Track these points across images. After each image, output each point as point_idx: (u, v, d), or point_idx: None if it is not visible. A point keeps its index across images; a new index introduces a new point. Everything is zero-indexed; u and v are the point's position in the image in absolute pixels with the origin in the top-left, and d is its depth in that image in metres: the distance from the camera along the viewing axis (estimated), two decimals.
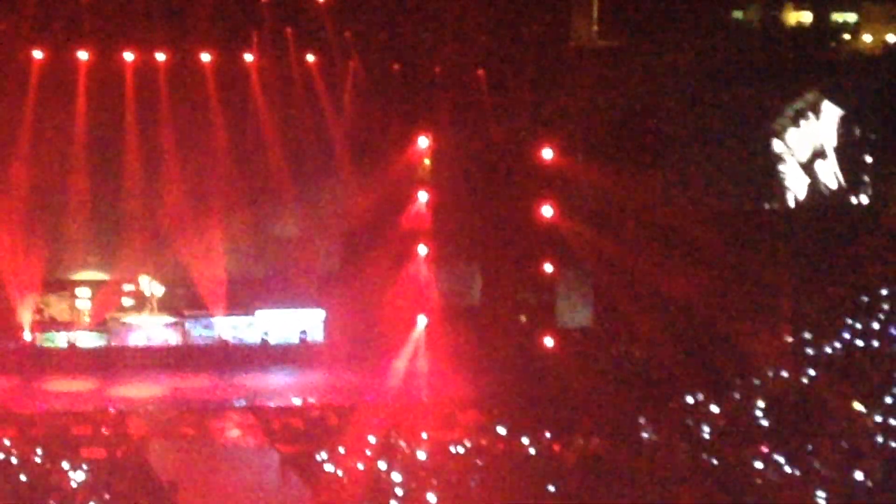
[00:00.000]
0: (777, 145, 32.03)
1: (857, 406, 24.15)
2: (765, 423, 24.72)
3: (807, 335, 28.15)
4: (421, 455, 23.67)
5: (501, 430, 25.28)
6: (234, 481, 23.80)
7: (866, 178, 32.33)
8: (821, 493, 21.22)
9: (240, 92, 32.45)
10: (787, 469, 22.39)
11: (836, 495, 21.19)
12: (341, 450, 24.02)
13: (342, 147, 33.28)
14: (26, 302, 32.04)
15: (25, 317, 32.03)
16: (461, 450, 24.02)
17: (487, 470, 22.87)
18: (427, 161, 33.86)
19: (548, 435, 24.63)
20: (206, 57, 31.80)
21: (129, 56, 31.34)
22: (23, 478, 21.87)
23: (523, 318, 31.84)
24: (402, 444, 24.40)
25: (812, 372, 26.15)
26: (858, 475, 21.61)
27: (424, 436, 25.17)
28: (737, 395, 26.03)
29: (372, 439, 24.65)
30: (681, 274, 30.13)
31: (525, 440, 24.36)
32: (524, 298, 31.94)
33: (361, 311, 32.96)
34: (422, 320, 32.49)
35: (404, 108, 32.91)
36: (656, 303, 30.36)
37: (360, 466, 23.25)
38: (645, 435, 24.86)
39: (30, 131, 31.48)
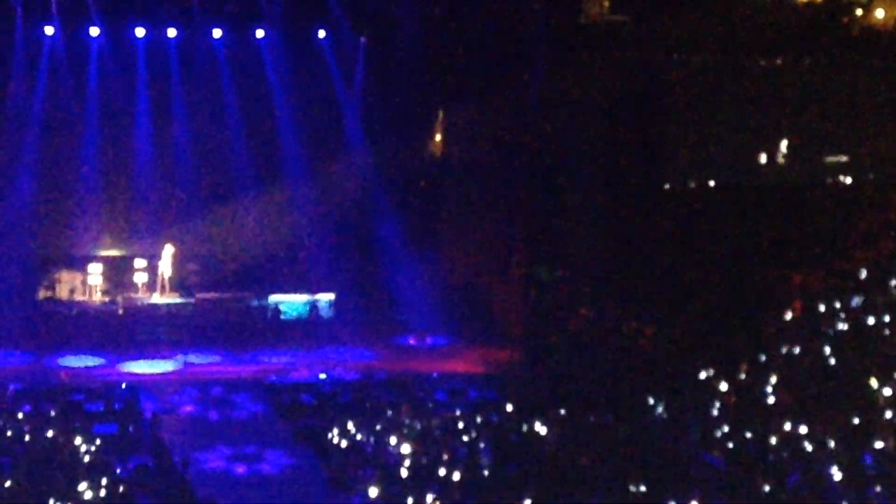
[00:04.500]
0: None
1: (872, 381, 24.07)
2: (777, 399, 24.61)
3: (819, 309, 28.01)
4: (431, 430, 23.73)
5: (510, 407, 25.31)
6: (246, 457, 23.75)
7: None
8: (835, 470, 21.12)
9: (252, 69, 32.40)
10: (801, 445, 22.29)
11: (850, 471, 21.09)
12: (351, 425, 24.10)
13: (354, 127, 33.36)
14: (39, 278, 32.25)
15: (38, 293, 32.22)
16: (471, 426, 24.02)
17: (498, 447, 22.77)
18: (440, 140, 33.92)
19: (562, 412, 24.60)
20: (217, 33, 31.82)
21: (140, 32, 31.31)
22: (35, 453, 21.91)
23: (534, 293, 31.65)
24: (413, 419, 24.42)
25: (825, 347, 26.06)
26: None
27: (434, 410, 25.32)
28: (748, 372, 25.91)
29: (382, 414, 24.77)
30: (692, 250, 30.02)
31: (536, 418, 24.24)
32: (535, 274, 31.71)
33: (373, 292, 33.13)
34: (431, 298, 32.67)
35: (418, 87, 32.80)
36: (666, 279, 30.20)
37: (372, 441, 23.32)
38: (657, 412, 24.87)
39: (43, 108, 31.57)
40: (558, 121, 31.06)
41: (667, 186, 31.01)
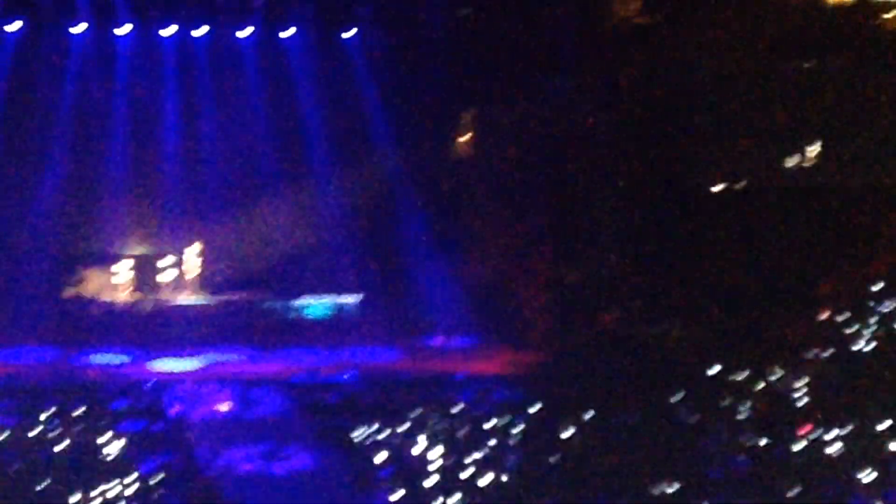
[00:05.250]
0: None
1: None
2: (807, 402, 24.41)
3: (847, 314, 27.85)
4: (457, 431, 23.61)
5: (537, 408, 25.04)
6: (270, 456, 23.63)
7: None
8: (866, 472, 20.96)
9: (279, 68, 32.44)
10: (830, 450, 22.12)
11: (880, 475, 20.91)
12: (376, 425, 23.97)
13: (381, 127, 33.18)
14: (66, 275, 32.29)
15: (65, 290, 32.26)
16: (497, 427, 23.86)
17: (524, 449, 22.76)
18: (467, 140, 33.80)
19: (589, 414, 24.36)
20: (244, 32, 31.79)
21: (168, 30, 31.34)
22: (59, 452, 21.96)
23: (560, 294, 31.54)
24: (438, 420, 24.31)
25: (853, 349, 25.88)
26: None
27: (460, 412, 25.10)
28: (777, 375, 25.74)
29: (408, 415, 24.56)
30: (721, 251, 29.87)
31: (563, 419, 23.98)
32: (562, 274, 31.68)
33: (398, 292, 32.99)
34: (457, 299, 32.56)
35: (445, 86, 32.70)
36: (694, 280, 30.04)
37: (397, 442, 23.25)
38: (685, 414, 24.59)
39: (70, 106, 31.64)
40: (586, 120, 30.99)
41: (695, 187, 30.81)
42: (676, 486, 20.97)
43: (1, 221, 31.89)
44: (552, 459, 22.23)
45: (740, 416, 24.21)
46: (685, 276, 29.92)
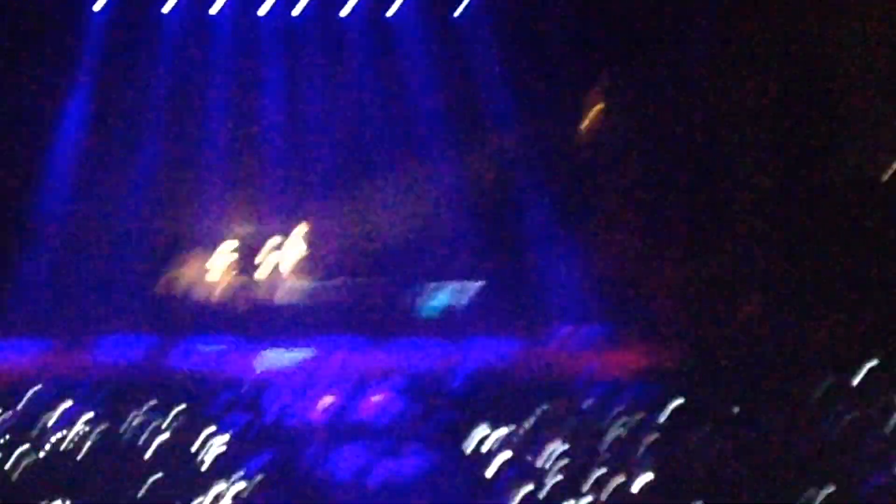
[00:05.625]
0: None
1: None
2: None
3: None
4: (584, 431, 22.63)
5: (672, 407, 23.66)
6: (382, 455, 22.82)
7: None
8: None
9: (391, 41, 32.18)
10: None
11: None
12: (497, 424, 23.00)
13: (501, 103, 32.46)
14: (166, 259, 31.91)
15: (165, 275, 31.81)
16: (628, 427, 22.79)
17: (657, 450, 21.82)
18: (594, 116, 32.84)
19: (730, 413, 23.16)
20: (350, 5, 31.62)
21: (263, 8, 31.29)
22: (156, 450, 21.42)
23: (697, 284, 30.49)
24: (564, 418, 23.26)
25: None
26: None
27: (588, 410, 23.93)
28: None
29: (531, 412, 23.46)
30: (870, 243, 28.86)
31: (700, 419, 22.86)
32: (699, 263, 30.67)
33: (521, 280, 32.14)
34: (585, 288, 31.56)
35: (569, 58, 31.77)
36: (841, 273, 28.91)
37: (519, 441, 22.42)
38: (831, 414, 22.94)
39: (169, 85, 31.64)
40: (726, 96, 30.16)
41: (843, 177, 30.09)
42: (829, 491, 20.01)
43: (97, 205, 31.63)
44: (688, 463, 21.45)
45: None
46: (833, 267, 28.92)
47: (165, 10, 30.87)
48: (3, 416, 22.36)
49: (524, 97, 32.44)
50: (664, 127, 31.29)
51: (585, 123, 33.52)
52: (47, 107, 31.30)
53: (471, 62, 32.38)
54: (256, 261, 32.43)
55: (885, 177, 29.87)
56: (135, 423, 22.35)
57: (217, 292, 31.79)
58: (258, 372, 27.06)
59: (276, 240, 32.49)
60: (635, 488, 20.27)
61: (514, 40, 32.25)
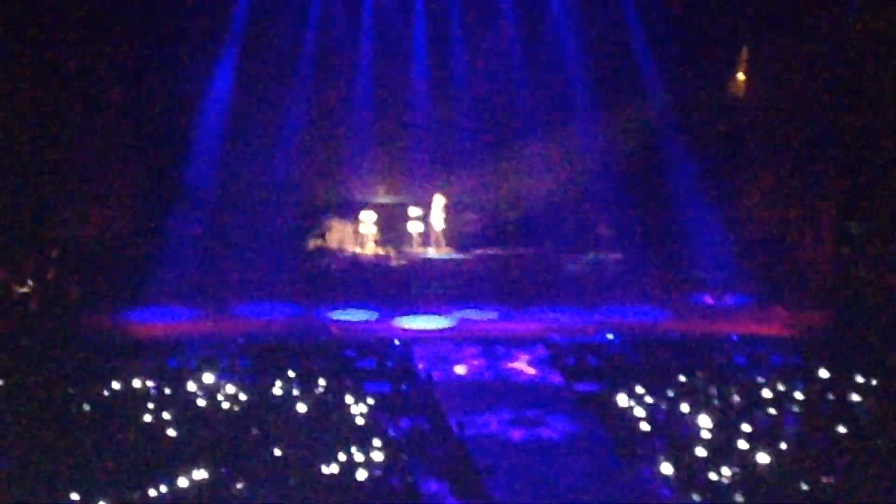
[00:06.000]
0: None
1: None
2: None
3: None
4: (729, 398, 21.87)
5: (819, 374, 23.12)
6: (525, 421, 22.69)
7: None
8: None
9: (536, 7, 31.97)
10: None
11: None
12: (640, 390, 22.51)
13: (647, 67, 32.18)
14: (310, 226, 31.97)
15: (309, 242, 31.90)
16: (775, 394, 22.06)
17: (805, 419, 20.89)
18: (742, 79, 32.33)
19: (878, 380, 22.35)
20: None
21: None
22: (302, 414, 21.11)
23: (846, 249, 29.75)
24: (709, 385, 22.62)
25: None
26: None
27: (734, 377, 23.34)
28: None
29: (674, 380, 22.99)
30: None
31: (848, 386, 22.15)
32: (848, 228, 29.84)
33: (665, 246, 31.78)
34: (730, 253, 31.14)
35: (718, 20, 31.43)
36: None
37: (663, 408, 21.69)
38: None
39: (315, 51, 31.67)
40: (877, 56, 28.90)
41: None
42: None
43: (245, 176, 31.89)
44: (838, 430, 20.34)
45: None
46: None
47: None
48: (152, 381, 22.52)
49: (673, 55, 32.01)
50: (815, 88, 30.57)
51: (734, 84, 32.99)
52: (198, 76, 31.59)
53: (619, 21, 31.99)
54: (401, 227, 32.34)
55: None
56: (278, 389, 22.35)
57: (361, 258, 31.72)
58: (402, 337, 26.92)
59: (419, 208, 32.36)
60: (783, 457, 19.32)
61: (663, 9, 31.84)
